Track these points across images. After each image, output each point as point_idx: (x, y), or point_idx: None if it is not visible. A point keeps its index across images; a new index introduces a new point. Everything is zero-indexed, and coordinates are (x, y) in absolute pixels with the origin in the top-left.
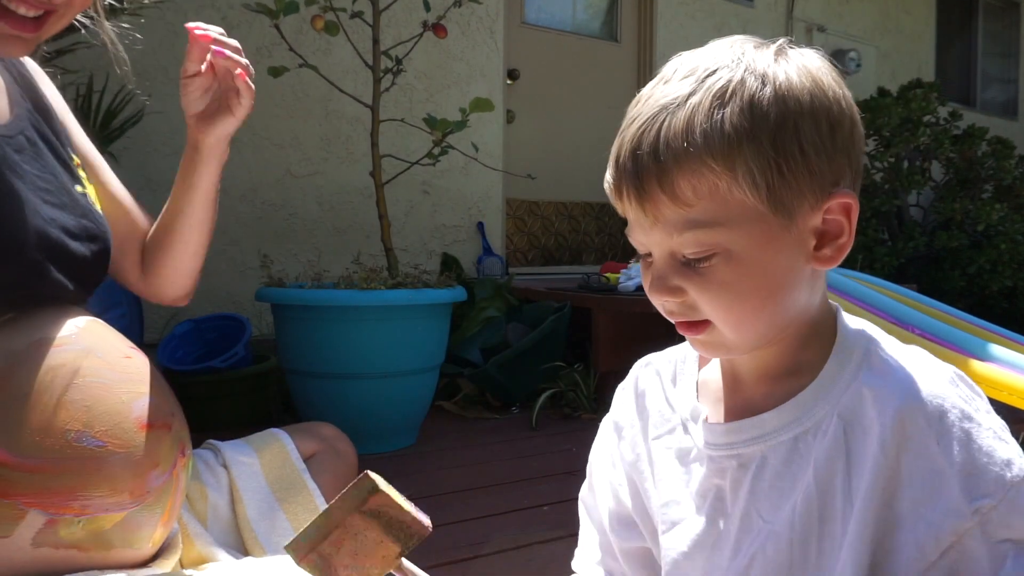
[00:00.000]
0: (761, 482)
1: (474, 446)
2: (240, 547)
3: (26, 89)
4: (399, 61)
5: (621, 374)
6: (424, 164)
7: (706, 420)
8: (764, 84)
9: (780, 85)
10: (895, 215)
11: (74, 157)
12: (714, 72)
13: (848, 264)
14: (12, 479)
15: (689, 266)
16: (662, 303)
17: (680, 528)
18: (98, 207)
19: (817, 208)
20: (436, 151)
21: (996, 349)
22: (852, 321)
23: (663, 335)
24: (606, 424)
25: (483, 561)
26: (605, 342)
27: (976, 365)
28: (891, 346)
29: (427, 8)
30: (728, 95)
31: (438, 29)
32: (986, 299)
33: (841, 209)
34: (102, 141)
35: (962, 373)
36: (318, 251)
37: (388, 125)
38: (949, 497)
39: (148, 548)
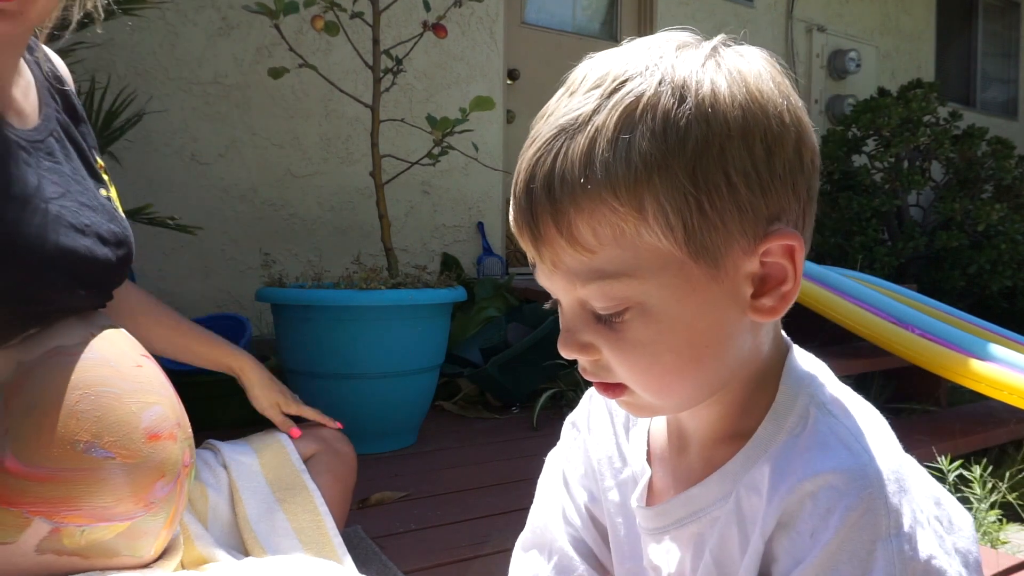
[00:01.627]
0: (701, 561)
1: (474, 446)
2: (240, 547)
3: (55, 87)
4: (399, 61)
5: None
6: (424, 164)
7: (645, 494)
8: (683, 99)
9: (703, 99)
10: (895, 215)
11: (98, 159)
12: (624, 84)
13: (848, 264)
14: (19, 488)
15: (601, 321)
16: (573, 359)
17: None
18: (121, 211)
19: (751, 251)
20: (436, 151)
21: (996, 349)
22: (802, 372)
23: None
24: (556, 459)
25: (483, 561)
26: None
27: (976, 364)
28: (838, 412)
29: (427, 8)
30: (638, 114)
31: (438, 29)
32: (986, 299)
33: (783, 252)
34: (103, 141)
35: (903, 472)
36: (318, 251)
37: (388, 125)
38: None
39: (150, 554)
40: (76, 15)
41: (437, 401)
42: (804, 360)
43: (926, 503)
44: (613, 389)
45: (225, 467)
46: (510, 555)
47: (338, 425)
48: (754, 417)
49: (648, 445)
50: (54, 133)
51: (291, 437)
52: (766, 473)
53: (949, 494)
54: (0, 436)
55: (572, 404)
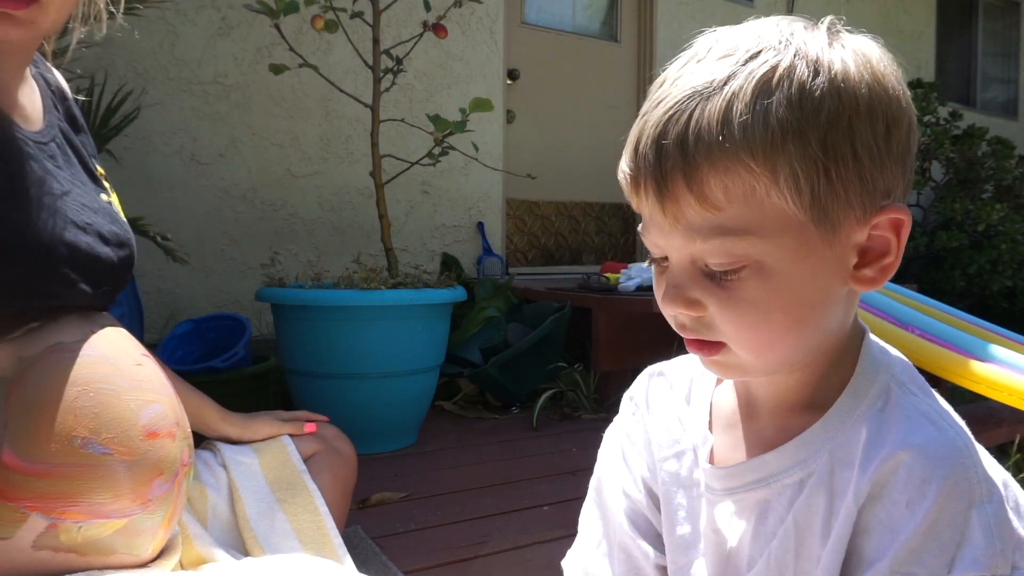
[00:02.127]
0: (765, 527)
1: (474, 446)
2: (240, 547)
3: (58, 98)
4: (399, 61)
5: (621, 374)
6: (424, 164)
7: (710, 458)
8: (817, 72)
9: (835, 75)
10: None
11: (98, 168)
12: (757, 54)
13: None
14: (17, 482)
15: (712, 278)
16: (674, 315)
17: (691, 568)
18: (122, 216)
19: (864, 222)
20: (436, 151)
21: (996, 349)
22: (881, 351)
23: (664, 336)
24: (614, 436)
25: (483, 561)
26: (605, 342)
27: (976, 365)
28: (917, 391)
29: (427, 8)
30: (775, 83)
31: (438, 29)
32: (986, 299)
33: (890, 225)
34: (101, 140)
35: (984, 454)
36: (318, 251)
37: (388, 125)
38: (886, 557)
39: (148, 553)
40: (79, 26)
41: (437, 401)
42: (881, 346)
43: (1001, 482)
44: (710, 347)
45: (225, 467)
46: (510, 555)
47: (325, 418)
48: (830, 390)
49: (710, 416)
50: (56, 139)
51: (307, 432)
52: (859, 444)
53: (1012, 478)
54: None
55: (572, 404)
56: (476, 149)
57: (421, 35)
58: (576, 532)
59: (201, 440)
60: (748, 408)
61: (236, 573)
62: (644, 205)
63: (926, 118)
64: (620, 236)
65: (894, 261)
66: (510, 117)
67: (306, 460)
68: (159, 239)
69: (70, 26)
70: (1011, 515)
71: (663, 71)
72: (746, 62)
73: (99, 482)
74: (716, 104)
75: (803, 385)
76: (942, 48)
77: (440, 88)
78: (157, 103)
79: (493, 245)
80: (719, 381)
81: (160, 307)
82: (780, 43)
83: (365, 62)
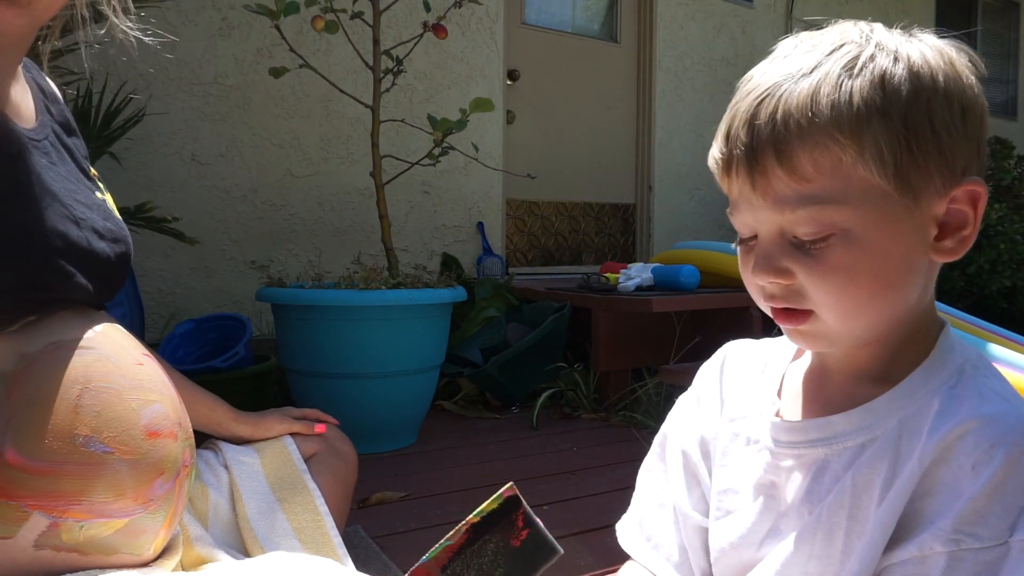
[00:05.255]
0: (819, 485)
1: (474, 446)
2: (240, 547)
3: (50, 101)
4: (399, 61)
5: (621, 374)
6: (424, 164)
7: (777, 414)
8: (896, 60)
9: (913, 63)
10: None
11: (91, 169)
12: (841, 47)
13: None
14: (18, 480)
15: (800, 248)
16: (765, 285)
17: (732, 519)
18: (117, 214)
19: (943, 194)
20: (436, 151)
21: (996, 349)
22: (959, 340)
23: (664, 336)
24: (686, 397)
25: None
26: (605, 342)
27: None
28: (993, 376)
29: (427, 8)
30: (858, 68)
31: (438, 30)
32: (985, 299)
33: (968, 198)
34: (103, 142)
35: None
36: (318, 251)
37: (388, 125)
38: (948, 516)
39: (149, 554)
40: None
41: (437, 401)
42: (960, 338)
43: None
44: (798, 316)
45: (226, 467)
46: None
47: (335, 421)
48: (904, 366)
49: (781, 385)
50: (49, 138)
51: (318, 432)
52: (929, 414)
53: None
54: (1, 428)
55: (572, 404)
56: (476, 149)
57: (421, 36)
58: (576, 532)
59: (203, 440)
60: (820, 378)
61: (236, 573)
62: (734, 185)
63: None
64: (620, 236)
65: (971, 233)
66: (510, 117)
67: (307, 460)
68: (168, 219)
69: (74, 29)
70: None
71: (749, 73)
72: (831, 52)
73: (101, 481)
74: (805, 86)
75: (875, 358)
76: None
77: (440, 88)
78: (158, 104)
79: (493, 245)
80: (795, 357)
81: (161, 307)
82: (862, 38)
83: (365, 63)
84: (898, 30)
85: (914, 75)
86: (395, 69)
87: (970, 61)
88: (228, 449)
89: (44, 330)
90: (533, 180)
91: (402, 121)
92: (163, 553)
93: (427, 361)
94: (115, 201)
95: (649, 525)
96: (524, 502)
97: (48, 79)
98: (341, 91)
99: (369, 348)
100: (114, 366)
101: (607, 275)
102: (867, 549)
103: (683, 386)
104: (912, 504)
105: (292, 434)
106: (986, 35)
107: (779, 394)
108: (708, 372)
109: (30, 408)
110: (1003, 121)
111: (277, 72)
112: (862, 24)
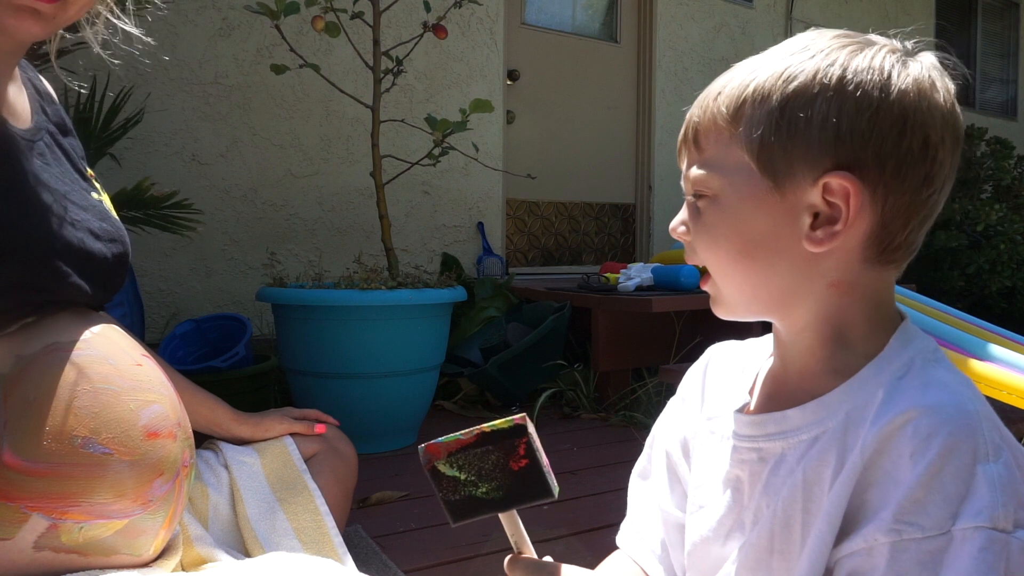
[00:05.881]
0: (776, 478)
1: None
2: (240, 547)
3: (46, 101)
4: (399, 62)
5: (621, 374)
6: (424, 164)
7: (745, 410)
8: (830, 64)
9: (820, 66)
10: None
11: (88, 169)
12: (804, 48)
13: None
14: (17, 482)
15: (694, 208)
16: (676, 239)
17: (703, 513)
18: (114, 214)
19: (813, 183)
20: (436, 151)
21: (996, 349)
22: (917, 333)
23: (664, 336)
24: (673, 399)
25: (483, 560)
26: (605, 342)
27: (976, 365)
28: (944, 368)
29: (427, 9)
30: (764, 67)
31: (438, 30)
32: (985, 299)
33: (840, 192)
34: (103, 142)
35: (993, 417)
36: (319, 251)
37: (388, 126)
38: (890, 506)
39: (149, 554)
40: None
41: (437, 401)
42: (921, 331)
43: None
44: (705, 278)
45: (227, 467)
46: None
47: (335, 422)
48: (857, 359)
49: (755, 382)
50: (44, 138)
51: (318, 432)
52: (874, 404)
53: None
54: None
55: (572, 404)
56: (476, 149)
57: (421, 36)
58: (576, 531)
59: (203, 440)
60: (783, 374)
61: (236, 573)
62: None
63: None
64: (620, 236)
65: (841, 229)
66: (510, 117)
67: (307, 460)
68: (167, 194)
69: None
70: (1020, 477)
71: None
72: (792, 54)
73: (100, 482)
74: (720, 82)
75: (816, 348)
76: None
77: (440, 89)
78: (158, 104)
79: (493, 245)
80: (771, 355)
81: (161, 307)
82: (827, 44)
83: (365, 63)
84: (890, 49)
85: (812, 71)
86: (395, 69)
87: (937, 84)
88: (228, 449)
89: (42, 332)
90: (533, 180)
91: (402, 121)
92: (163, 553)
93: (427, 361)
94: (114, 197)
95: (636, 520)
96: (532, 434)
97: (43, 79)
98: (341, 91)
99: (369, 348)
100: (112, 367)
101: (607, 275)
102: (816, 542)
103: None
104: (859, 495)
105: (292, 434)
106: (986, 35)
107: (751, 392)
108: (693, 373)
109: (28, 410)
110: (1003, 121)
111: (279, 69)
112: (844, 35)
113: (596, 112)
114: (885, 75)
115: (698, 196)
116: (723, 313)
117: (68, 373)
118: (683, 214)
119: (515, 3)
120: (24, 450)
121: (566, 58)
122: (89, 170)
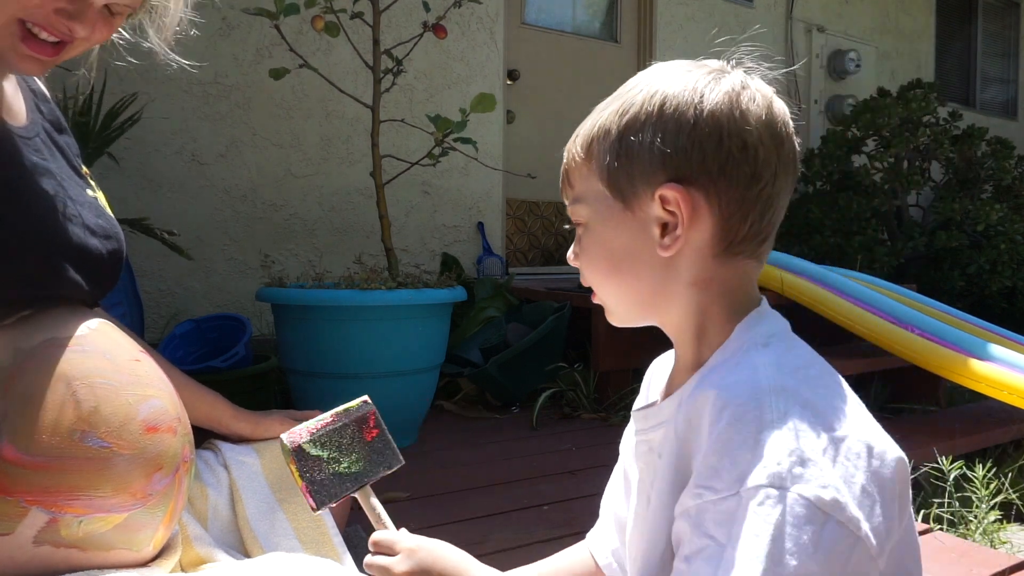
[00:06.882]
0: (650, 466)
1: (474, 446)
2: (240, 547)
3: (41, 100)
4: (399, 61)
5: (621, 374)
6: (424, 164)
7: (640, 407)
8: (652, 95)
9: (652, 94)
10: (894, 215)
11: (83, 167)
12: (635, 86)
13: (848, 264)
14: (17, 476)
15: (577, 237)
16: (571, 264)
17: (630, 509)
18: (109, 211)
19: (652, 197)
20: (436, 151)
21: (996, 349)
22: (769, 322)
23: (663, 336)
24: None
25: (483, 560)
26: (605, 342)
27: (976, 364)
28: (774, 351)
29: (427, 8)
30: (617, 104)
31: (438, 30)
32: (985, 299)
33: (674, 201)
34: (102, 142)
35: (792, 390)
36: (319, 251)
37: (388, 125)
38: (695, 474)
39: (149, 550)
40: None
41: (437, 401)
42: (779, 323)
43: (854, 444)
44: (593, 293)
45: (226, 467)
46: (510, 555)
47: None
48: (709, 350)
49: (665, 384)
50: (40, 135)
51: None
52: (689, 390)
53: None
54: None
55: (572, 404)
56: (476, 149)
57: (421, 36)
58: (576, 531)
59: (202, 439)
60: (676, 371)
61: (236, 573)
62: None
63: (925, 118)
64: None
65: (680, 234)
66: (510, 117)
67: None
68: (165, 235)
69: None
70: (816, 449)
71: None
72: (628, 91)
73: (99, 476)
74: (579, 128)
75: (691, 345)
76: (942, 48)
77: (440, 88)
78: (157, 103)
79: (493, 245)
80: None
81: (161, 307)
82: (632, 87)
83: (365, 63)
84: (708, 71)
85: (643, 101)
86: (395, 69)
87: (746, 91)
88: (227, 449)
89: (39, 326)
90: (533, 180)
91: (402, 121)
92: (162, 552)
93: (427, 361)
94: (114, 201)
95: (602, 518)
96: (375, 410)
97: (38, 80)
98: (341, 91)
99: (369, 348)
100: (110, 362)
101: None
102: (661, 515)
103: None
104: (683, 471)
105: None
106: (986, 35)
107: (662, 392)
108: (643, 381)
109: (26, 404)
110: (1003, 121)
111: (277, 73)
112: (672, 65)
113: None
114: (699, 95)
115: (577, 226)
116: (614, 321)
117: (66, 368)
118: (574, 244)
119: (515, 3)
120: (23, 444)
121: (566, 58)
122: (84, 167)
